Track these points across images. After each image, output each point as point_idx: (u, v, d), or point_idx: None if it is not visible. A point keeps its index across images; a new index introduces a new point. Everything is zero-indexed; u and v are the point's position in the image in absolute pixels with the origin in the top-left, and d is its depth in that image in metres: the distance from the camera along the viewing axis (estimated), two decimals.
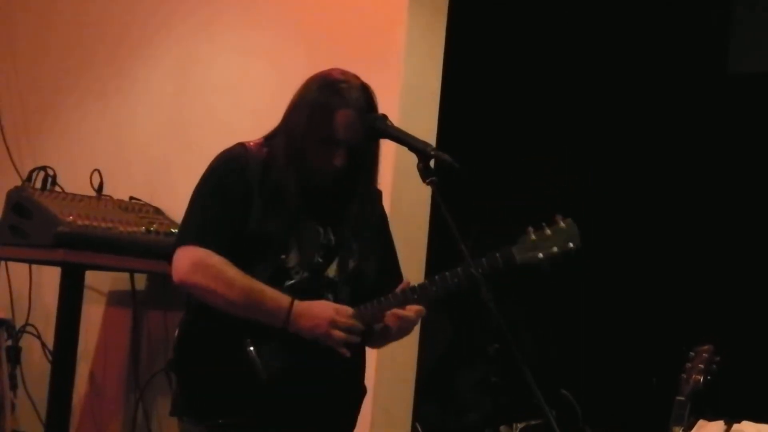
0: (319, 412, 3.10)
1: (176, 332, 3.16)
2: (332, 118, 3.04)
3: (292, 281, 3.08)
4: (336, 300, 3.09)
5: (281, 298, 3.02)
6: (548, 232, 2.99)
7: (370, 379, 3.33)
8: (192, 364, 3.10)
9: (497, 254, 3.00)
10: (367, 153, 3.11)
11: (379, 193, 3.26)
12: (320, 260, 3.11)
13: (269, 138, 3.17)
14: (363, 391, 3.25)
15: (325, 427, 3.14)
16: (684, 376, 3.56)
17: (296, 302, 3.02)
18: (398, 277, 3.24)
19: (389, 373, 4.32)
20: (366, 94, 3.10)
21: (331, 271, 3.13)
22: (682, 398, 3.51)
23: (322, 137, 3.05)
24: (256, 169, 3.09)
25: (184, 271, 3.03)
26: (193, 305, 3.13)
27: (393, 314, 3.08)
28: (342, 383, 3.14)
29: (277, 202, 3.07)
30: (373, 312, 3.07)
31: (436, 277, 3.05)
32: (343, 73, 3.12)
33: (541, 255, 2.98)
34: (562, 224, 3.00)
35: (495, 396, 5.53)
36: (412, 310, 3.08)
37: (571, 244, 2.98)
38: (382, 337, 3.18)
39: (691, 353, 3.60)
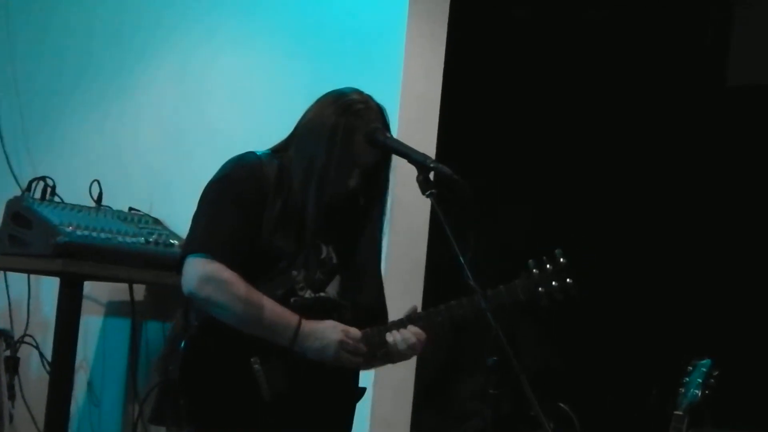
0: (320, 430, 3.08)
1: (181, 345, 3.05)
2: (352, 140, 3.03)
3: (297, 298, 3.05)
4: (339, 320, 3.07)
5: (290, 317, 3.00)
6: (549, 266, 3.06)
7: (368, 389, 3.31)
8: (198, 379, 3.03)
9: (502, 288, 3.05)
10: (379, 174, 3.10)
11: None
12: (321, 277, 3.10)
13: (277, 151, 3.14)
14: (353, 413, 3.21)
15: None
16: (682, 389, 3.56)
17: (304, 322, 3.00)
18: (384, 308, 3.24)
19: (388, 382, 4.31)
20: (383, 115, 3.10)
21: (331, 289, 3.12)
22: (680, 412, 3.52)
23: (341, 159, 3.03)
24: (269, 181, 3.06)
25: (195, 283, 2.99)
26: (193, 317, 3.07)
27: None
28: (342, 402, 3.14)
29: (288, 217, 3.04)
30: (380, 338, 3.06)
31: (442, 306, 3.07)
32: (359, 93, 3.11)
33: (541, 290, 3.06)
34: (561, 260, 3.06)
35: (493, 407, 5.52)
36: (412, 331, 3.06)
37: (569, 280, 3.05)
38: (382, 360, 3.17)
39: (690, 367, 3.61)
